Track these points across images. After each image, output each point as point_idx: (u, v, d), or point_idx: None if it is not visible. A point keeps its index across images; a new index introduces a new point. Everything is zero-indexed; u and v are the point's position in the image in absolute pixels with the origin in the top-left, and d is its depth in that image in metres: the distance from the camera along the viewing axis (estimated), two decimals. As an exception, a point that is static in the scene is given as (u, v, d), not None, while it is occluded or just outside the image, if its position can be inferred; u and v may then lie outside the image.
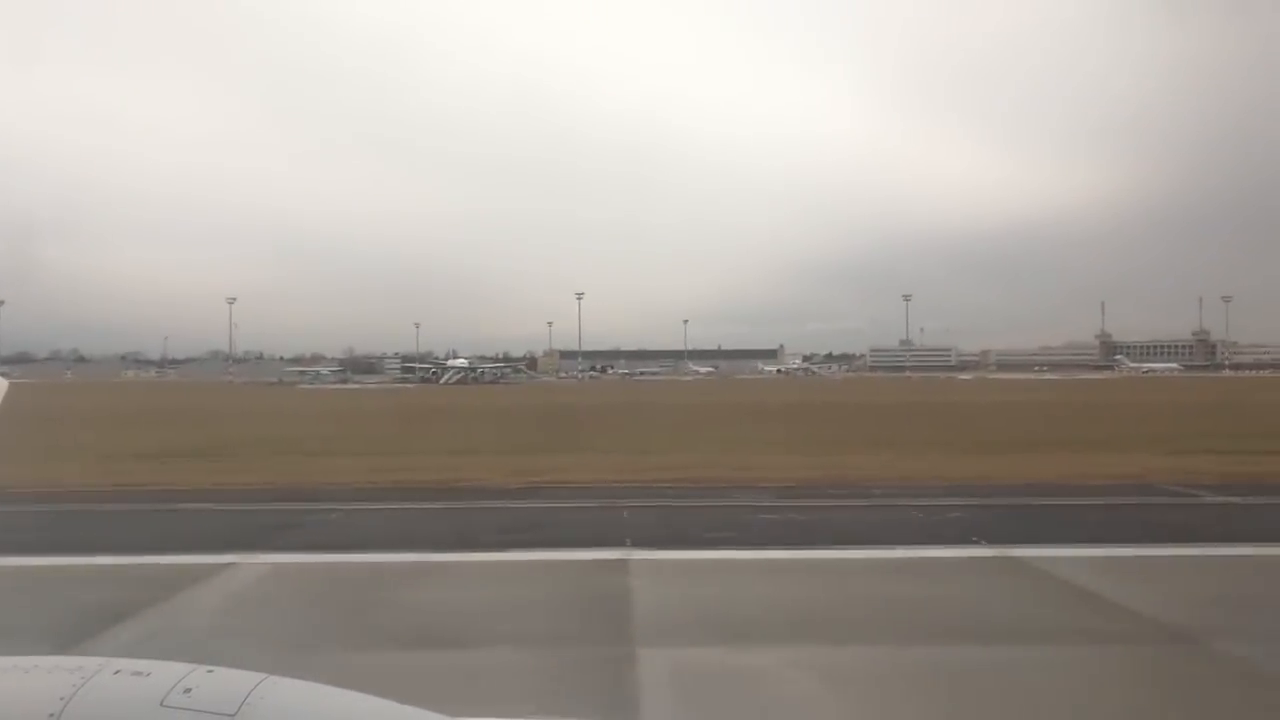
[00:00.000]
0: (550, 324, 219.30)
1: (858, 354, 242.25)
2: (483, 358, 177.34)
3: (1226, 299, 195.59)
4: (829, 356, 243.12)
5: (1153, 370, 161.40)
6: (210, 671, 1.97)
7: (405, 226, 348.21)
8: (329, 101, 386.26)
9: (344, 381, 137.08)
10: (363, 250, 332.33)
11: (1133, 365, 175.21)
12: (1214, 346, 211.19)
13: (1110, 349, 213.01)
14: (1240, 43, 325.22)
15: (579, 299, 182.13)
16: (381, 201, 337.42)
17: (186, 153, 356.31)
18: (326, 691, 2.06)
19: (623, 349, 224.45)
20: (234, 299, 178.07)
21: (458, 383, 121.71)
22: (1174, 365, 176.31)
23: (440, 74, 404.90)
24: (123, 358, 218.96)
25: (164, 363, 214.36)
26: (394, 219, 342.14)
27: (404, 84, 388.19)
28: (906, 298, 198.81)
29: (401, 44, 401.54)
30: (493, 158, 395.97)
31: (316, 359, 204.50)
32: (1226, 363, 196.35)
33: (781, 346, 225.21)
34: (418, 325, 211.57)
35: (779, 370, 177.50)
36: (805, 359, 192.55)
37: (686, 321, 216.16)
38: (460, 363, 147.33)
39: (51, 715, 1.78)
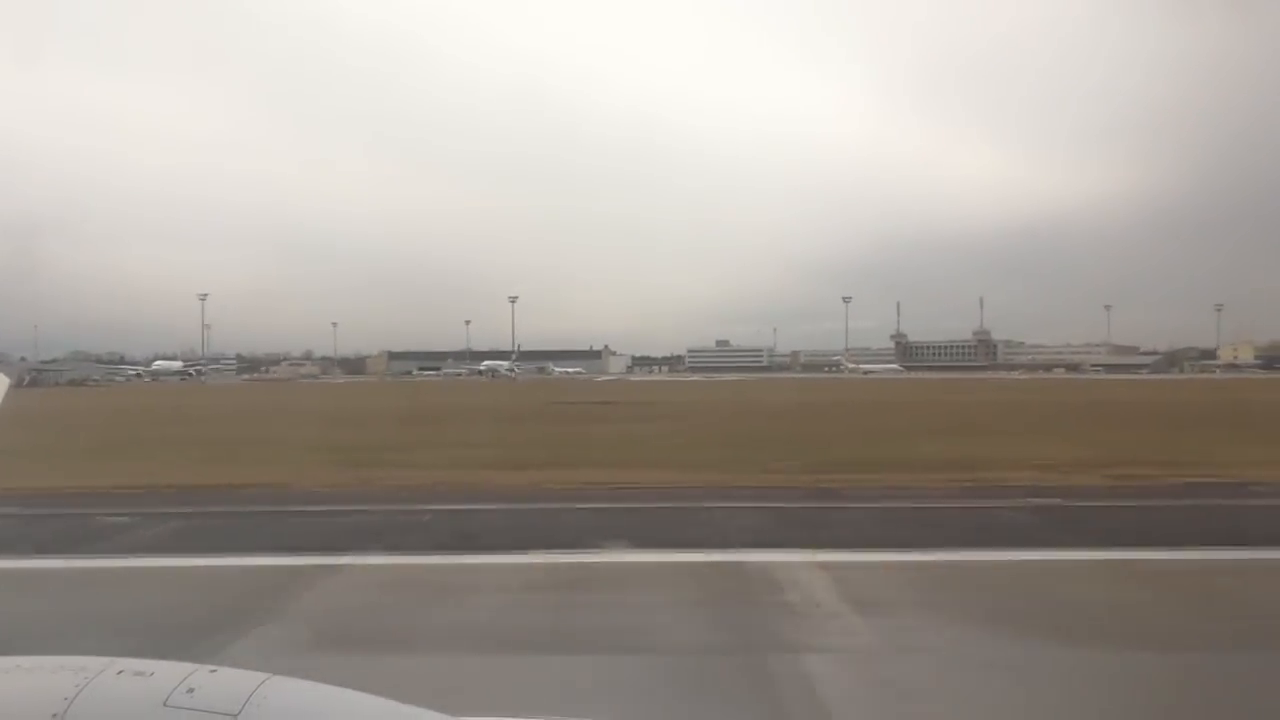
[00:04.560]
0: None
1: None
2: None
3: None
4: (667, 359, 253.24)
5: (871, 372, 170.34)
6: (213, 671, 1.99)
7: (407, 225, 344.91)
8: (331, 102, 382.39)
9: None
10: (366, 249, 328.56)
11: (852, 366, 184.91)
12: (994, 346, 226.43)
13: (905, 348, 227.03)
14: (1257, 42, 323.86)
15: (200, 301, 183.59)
16: (383, 200, 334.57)
17: (188, 154, 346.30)
18: (329, 691, 2.08)
19: (450, 350, 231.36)
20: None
21: (29, 385, 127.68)
22: (894, 366, 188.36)
23: (442, 74, 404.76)
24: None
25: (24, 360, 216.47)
26: (396, 218, 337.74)
27: (406, 84, 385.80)
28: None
29: (403, 44, 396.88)
30: (494, 156, 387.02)
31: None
32: (995, 364, 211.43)
33: (606, 347, 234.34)
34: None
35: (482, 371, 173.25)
36: (514, 361, 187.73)
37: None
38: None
39: (55, 715, 1.78)
